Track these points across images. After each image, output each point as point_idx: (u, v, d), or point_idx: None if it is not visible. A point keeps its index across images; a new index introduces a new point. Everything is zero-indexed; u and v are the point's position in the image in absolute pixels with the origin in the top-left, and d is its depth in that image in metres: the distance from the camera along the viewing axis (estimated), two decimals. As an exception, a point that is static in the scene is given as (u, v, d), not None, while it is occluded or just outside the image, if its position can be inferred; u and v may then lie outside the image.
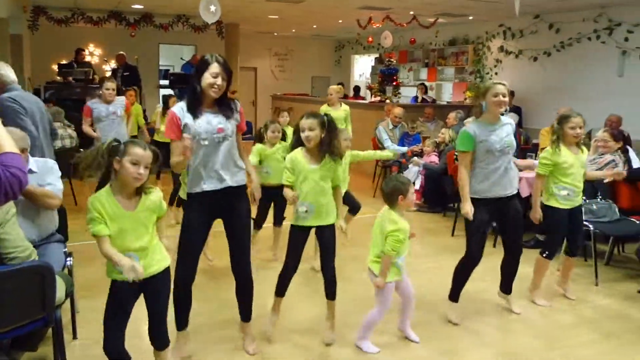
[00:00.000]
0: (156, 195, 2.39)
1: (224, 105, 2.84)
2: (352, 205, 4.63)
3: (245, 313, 3.10)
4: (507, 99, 3.39)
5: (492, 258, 3.83)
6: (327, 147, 3.00)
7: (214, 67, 2.73)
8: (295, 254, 3.13)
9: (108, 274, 2.36)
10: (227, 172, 2.84)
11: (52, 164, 3.20)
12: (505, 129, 3.44)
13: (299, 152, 3.05)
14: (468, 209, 3.36)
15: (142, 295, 2.42)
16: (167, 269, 2.43)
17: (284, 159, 3.19)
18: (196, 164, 2.80)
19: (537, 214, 3.73)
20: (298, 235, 3.11)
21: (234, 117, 2.87)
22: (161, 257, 2.40)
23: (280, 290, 3.21)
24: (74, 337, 3.19)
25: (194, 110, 2.76)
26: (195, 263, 2.90)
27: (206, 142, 2.76)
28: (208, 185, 2.81)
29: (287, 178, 3.07)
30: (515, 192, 3.50)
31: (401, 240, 3.00)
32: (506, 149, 3.40)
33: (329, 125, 3.00)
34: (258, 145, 4.51)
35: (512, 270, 3.69)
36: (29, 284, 2.37)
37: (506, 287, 3.77)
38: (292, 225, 3.12)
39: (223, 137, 2.80)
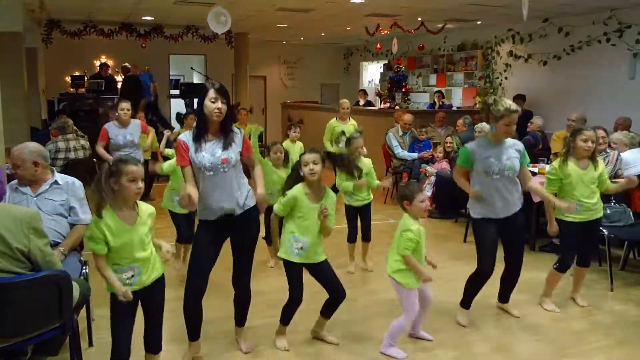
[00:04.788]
0: (146, 206, 2.58)
1: (227, 133, 2.91)
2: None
3: (240, 319, 3.23)
4: (515, 126, 3.38)
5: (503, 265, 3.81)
6: (345, 166, 3.09)
7: (211, 93, 2.83)
8: (298, 287, 3.16)
9: (108, 288, 2.48)
10: (232, 199, 2.91)
11: (79, 186, 3.31)
12: (509, 152, 3.42)
13: (299, 191, 3.09)
14: (473, 191, 3.47)
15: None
16: (162, 277, 2.62)
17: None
18: (203, 194, 2.89)
19: (553, 228, 3.76)
20: (294, 269, 3.15)
21: (236, 145, 2.93)
22: (158, 266, 2.59)
23: (286, 320, 3.26)
24: (90, 344, 3.24)
25: (200, 139, 2.86)
26: (204, 278, 2.96)
27: (211, 173, 2.85)
28: (213, 212, 2.91)
29: (279, 210, 3.13)
30: (518, 209, 3.52)
31: (412, 239, 3.04)
32: (506, 172, 3.39)
33: (333, 159, 3.12)
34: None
35: (511, 282, 3.72)
36: (46, 293, 2.41)
37: (504, 297, 3.81)
38: (285, 261, 3.14)
39: (228, 167, 2.88)
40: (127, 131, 5.71)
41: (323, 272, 3.17)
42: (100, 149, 5.67)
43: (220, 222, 2.94)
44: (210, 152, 2.86)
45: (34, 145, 3.22)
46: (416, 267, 3.07)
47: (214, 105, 2.81)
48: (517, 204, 3.50)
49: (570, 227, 3.69)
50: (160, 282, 2.61)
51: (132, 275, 2.47)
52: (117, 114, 5.73)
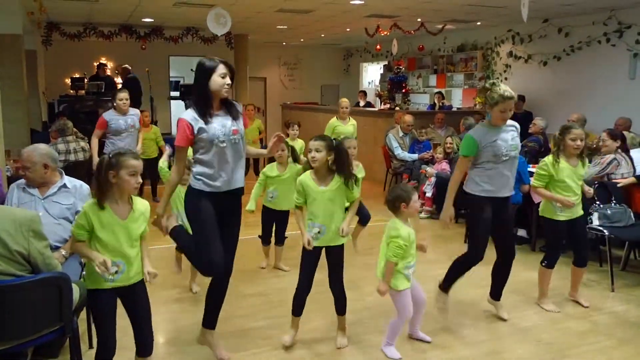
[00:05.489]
0: (142, 203, 2.57)
1: (230, 106, 2.90)
2: (362, 215, 4.63)
3: (212, 319, 3.03)
4: (512, 112, 3.40)
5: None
6: (341, 169, 3.05)
7: (221, 69, 2.79)
8: (308, 273, 3.16)
9: (88, 284, 2.48)
10: (238, 172, 2.90)
11: (87, 190, 3.33)
12: (511, 133, 3.46)
13: (307, 176, 3.11)
14: (448, 216, 3.48)
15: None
16: (143, 280, 2.56)
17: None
18: (212, 164, 2.81)
19: (558, 199, 3.69)
20: (310, 254, 3.13)
21: (240, 117, 2.93)
22: (139, 270, 2.54)
23: (297, 310, 3.23)
24: (90, 346, 3.22)
25: (205, 115, 2.79)
26: (221, 247, 2.82)
27: (224, 144, 2.80)
28: (222, 186, 2.84)
29: (296, 199, 3.15)
30: (513, 191, 3.54)
31: (401, 246, 3.01)
32: (512, 152, 3.42)
33: (337, 149, 3.05)
34: (263, 171, 4.53)
35: (503, 276, 3.70)
36: (46, 295, 2.40)
37: (496, 292, 3.78)
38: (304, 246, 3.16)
39: (239, 138, 2.87)
40: (127, 117, 5.79)
41: (333, 256, 3.14)
42: (94, 141, 5.68)
43: (219, 196, 2.84)
44: (221, 124, 2.81)
45: (44, 148, 3.22)
46: (388, 275, 3.05)
47: (223, 80, 2.77)
48: (512, 184, 3.52)
49: (556, 225, 3.75)
50: (142, 285, 2.56)
51: (117, 272, 2.44)
52: (115, 104, 5.77)
